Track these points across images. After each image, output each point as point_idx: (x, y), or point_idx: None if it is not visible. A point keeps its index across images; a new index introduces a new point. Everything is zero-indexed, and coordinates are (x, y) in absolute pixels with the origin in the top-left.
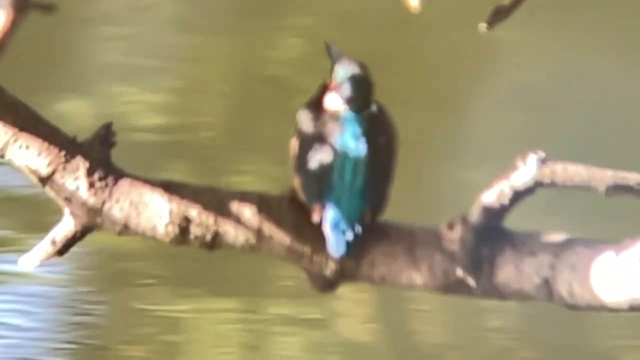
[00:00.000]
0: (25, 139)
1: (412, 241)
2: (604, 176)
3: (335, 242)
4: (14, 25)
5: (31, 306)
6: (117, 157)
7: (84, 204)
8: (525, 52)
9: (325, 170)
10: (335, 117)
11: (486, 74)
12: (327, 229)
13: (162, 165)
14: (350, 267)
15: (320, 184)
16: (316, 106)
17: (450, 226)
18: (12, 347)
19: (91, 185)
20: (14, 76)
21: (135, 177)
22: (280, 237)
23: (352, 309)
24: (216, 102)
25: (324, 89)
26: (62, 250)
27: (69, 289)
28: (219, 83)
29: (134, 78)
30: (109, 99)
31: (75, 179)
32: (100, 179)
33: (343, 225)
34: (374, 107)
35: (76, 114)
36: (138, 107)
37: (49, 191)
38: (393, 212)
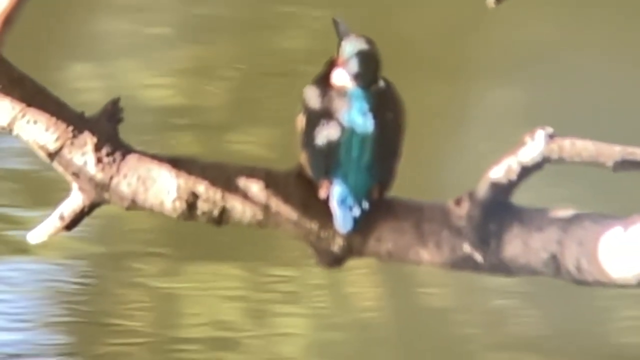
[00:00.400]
0: (33, 114)
1: (420, 217)
2: (612, 151)
3: (343, 218)
4: None
5: (29, 281)
6: (125, 128)
7: (91, 179)
8: (531, 24)
9: (332, 146)
10: (343, 93)
11: (490, 49)
12: (334, 205)
13: (169, 137)
14: (358, 243)
15: (328, 160)
16: (323, 82)
17: (458, 202)
18: (10, 321)
19: (99, 160)
20: (24, 50)
21: (143, 153)
22: (288, 212)
23: (358, 284)
24: (224, 76)
25: (331, 65)
26: (70, 225)
27: (69, 263)
28: (228, 57)
29: (143, 51)
30: (118, 71)
31: (83, 154)
32: (107, 155)
33: (350, 201)
34: (381, 83)
35: (85, 86)
36: (146, 82)
37: (56, 166)
38: (400, 188)
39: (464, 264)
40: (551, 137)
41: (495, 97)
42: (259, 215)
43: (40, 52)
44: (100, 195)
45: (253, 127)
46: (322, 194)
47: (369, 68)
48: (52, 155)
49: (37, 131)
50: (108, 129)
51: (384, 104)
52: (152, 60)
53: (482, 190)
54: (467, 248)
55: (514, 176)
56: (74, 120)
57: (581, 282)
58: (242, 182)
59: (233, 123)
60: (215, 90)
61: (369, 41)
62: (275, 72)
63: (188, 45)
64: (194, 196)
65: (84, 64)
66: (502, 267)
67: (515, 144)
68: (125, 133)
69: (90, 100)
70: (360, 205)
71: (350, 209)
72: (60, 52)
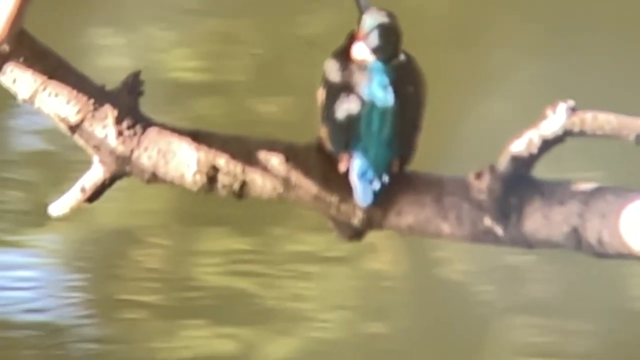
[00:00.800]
0: (54, 86)
1: (440, 190)
2: (634, 124)
3: (362, 191)
4: None
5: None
6: (149, 98)
7: (112, 152)
8: None
9: (352, 120)
10: (363, 66)
11: (514, 19)
12: (354, 179)
13: (193, 107)
14: (378, 216)
15: (348, 133)
16: (343, 56)
17: (478, 176)
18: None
19: (120, 133)
20: (46, 19)
21: (163, 126)
22: (308, 186)
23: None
24: (250, 46)
25: (352, 38)
26: (92, 198)
27: (86, 236)
28: (254, 26)
29: (168, 20)
30: (143, 40)
31: (104, 127)
32: (128, 127)
33: (370, 174)
34: (402, 57)
35: (110, 55)
36: (171, 51)
37: (78, 139)
38: (421, 162)
39: (485, 237)
40: (573, 110)
41: (519, 69)
42: (279, 189)
43: (64, 21)
44: (121, 168)
45: (277, 97)
46: (342, 167)
47: (390, 41)
48: (73, 128)
49: (59, 104)
50: (129, 101)
51: (405, 77)
52: (178, 30)
53: (503, 163)
54: (487, 221)
55: (535, 149)
56: (95, 93)
57: (602, 255)
58: (263, 155)
59: (257, 93)
60: (240, 60)
61: (390, 14)
62: (301, 42)
63: (214, 16)
64: (215, 169)
65: (110, 34)
66: (523, 241)
67: (538, 117)
68: (149, 102)
69: (115, 70)
70: (380, 178)
71: (370, 182)
72: (85, 21)
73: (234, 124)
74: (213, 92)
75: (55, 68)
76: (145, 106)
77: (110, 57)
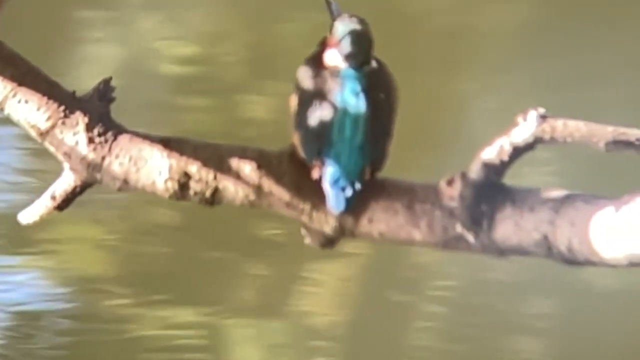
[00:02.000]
0: (24, 93)
1: (412, 197)
2: (604, 132)
3: (335, 198)
4: None
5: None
6: (142, 87)
7: (83, 159)
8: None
9: (324, 127)
10: (335, 73)
11: (487, 32)
12: (326, 186)
13: (183, 99)
14: (350, 224)
15: (320, 140)
16: (316, 63)
17: (450, 182)
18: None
19: (90, 140)
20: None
21: (135, 133)
22: (280, 193)
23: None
24: (240, 38)
25: (324, 45)
26: (62, 206)
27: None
28: (244, 19)
29: (160, 10)
30: (135, 29)
31: (75, 134)
32: (99, 135)
33: (343, 181)
34: (374, 63)
35: (101, 43)
36: (162, 41)
37: (48, 146)
38: (392, 169)
39: (456, 244)
40: (543, 117)
41: (493, 77)
42: (251, 196)
43: (53, 6)
44: (92, 176)
45: (268, 90)
46: (314, 174)
47: (361, 48)
48: (44, 135)
49: (29, 111)
50: (100, 108)
51: (377, 84)
52: (169, 20)
53: (474, 170)
54: (459, 228)
55: (505, 157)
56: (66, 100)
57: (572, 262)
58: (235, 162)
59: (247, 85)
60: (230, 53)
61: (362, 21)
62: (292, 35)
63: (205, 5)
64: (186, 176)
65: (100, 22)
66: (494, 248)
67: (511, 123)
68: (139, 92)
69: (104, 59)
70: (352, 185)
71: (343, 189)
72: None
73: (224, 120)
74: (202, 87)
75: (25, 74)
76: (133, 99)
77: (100, 45)
